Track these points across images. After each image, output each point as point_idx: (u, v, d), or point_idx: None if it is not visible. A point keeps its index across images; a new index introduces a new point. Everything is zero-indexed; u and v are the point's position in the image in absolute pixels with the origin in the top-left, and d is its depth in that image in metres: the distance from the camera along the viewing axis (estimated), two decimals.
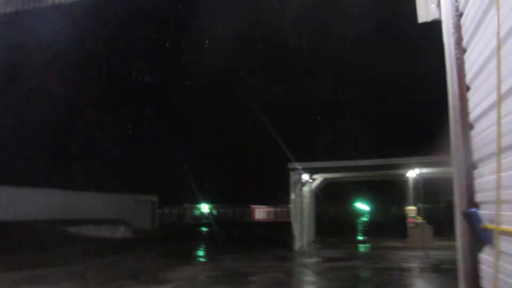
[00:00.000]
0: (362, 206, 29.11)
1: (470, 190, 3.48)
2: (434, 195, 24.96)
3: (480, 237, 3.03)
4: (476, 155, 3.51)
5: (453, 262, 10.99)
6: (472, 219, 3.11)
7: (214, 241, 24.32)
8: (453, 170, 3.70)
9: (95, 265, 13.09)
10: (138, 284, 9.49)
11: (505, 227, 2.84)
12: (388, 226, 27.28)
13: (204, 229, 38.41)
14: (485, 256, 3.21)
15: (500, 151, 3.08)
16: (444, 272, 10.75)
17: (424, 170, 17.37)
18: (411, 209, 18.30)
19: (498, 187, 3.05)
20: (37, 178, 24.32)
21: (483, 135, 3.41)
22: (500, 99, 3.07)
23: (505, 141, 3.00)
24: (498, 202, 2.94)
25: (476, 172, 3.49)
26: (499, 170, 3.09)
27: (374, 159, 17.89)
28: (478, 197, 3.40)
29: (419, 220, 17.37)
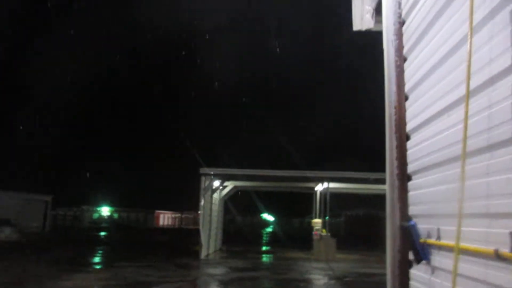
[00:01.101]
0: (270, 216, 29.53)
1: (403, 203, 3.34)
2: (337, 209, 26.13)
3: (417, 252, 2.85)
4: (411, 167, 3.40)
5: (355, 274, 11.30)
6: (410, 233, 2.94)
7: (113, 247, 22.68)
8: (386, 181, 3.55)
9: None
10: None
11: (444, 241, 2.70)
12: (294, 237, 27.94)
13: (103, 233, 35.94)
14: (418, 272, 3.07)
15: (437, 165, 2.97)
16: (348, 284, 11.01)
17: (332, 185, 17.96)
18: (317, 221, 18.80)
19: (435, 200, 2.93)
20: None
21: (419, 147, 3.30)
22: (438, 113, 2.99)
23: (441, 155, 2.90)
24: (438, 215, 2.81)
25: (411, 184, 3.38)
26: (436, 183, 2.98)
27: (285, 170, 18.12)
28: (412, 210, 3.27)
29: (324, 233, 17.86)
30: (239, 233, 30.41)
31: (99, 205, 54.84)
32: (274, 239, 30.32)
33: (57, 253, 17.55)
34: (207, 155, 22.46)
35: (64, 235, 30.91)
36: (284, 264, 15.51)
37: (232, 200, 24.66)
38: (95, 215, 55.89)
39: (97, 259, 16.28)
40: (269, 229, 46.92)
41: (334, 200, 20.26)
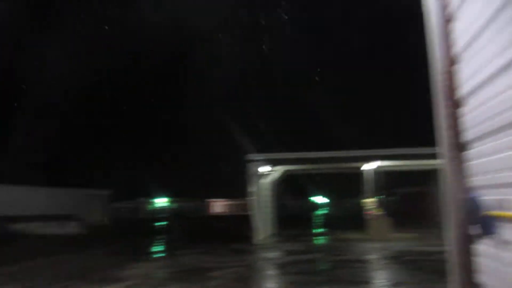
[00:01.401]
0: (321, 199, 29.29)
1: (461, 175, 3.14)
2: (389, 187, 25.45)
3: (480, 225, 2.68)
4: (466, 136, 3.18)
5: (414, 253, 10.97)
6: (471, 206, 2.75)
7: (170, 236, 23.51)
8: (441, 154, 3.35)
9: (41, 265, 12.08)
10: (87, 284, 8.72)
11: (510, 212, 2.50)
12: (346, 218, 27.60)
13: (160, 223, 37.35)
14: (483, 247, 2.88)
15: (496, 130, 2.75)
16: (406, 263, 10.72)
17: (383, 163, 17.48)
18: (369, 201, 18.41)
19: (497, 169, 2.72)
20: None
21: (474, 114, 3.07)
22: (494, 74, 2.75)
23: (501, 120, 2.67)
24: (502, 185, 2.61)
25: (468, 154, 3.16)
26: (496, 150, 2.76)
27: (334, 151, 17.80)
28: (472, 181, 3.06)
29: (378, 212, 17.49)
30: (291, 217, 30.43)
31: (155, 196, 56.78)
32: (326, 221, 30.11)
33: (119, 244, 18.45)
34: (255, 141, 22.57)
35: (124, 227, 32.42)
36: (339, 245, 15.37)
37: (282, 184, 24.68)
38: (152, 207, 58.13)
39: (157, 248, 16.93)
40: (321, 211, 46.72)
41: (386, 178, 19.73)
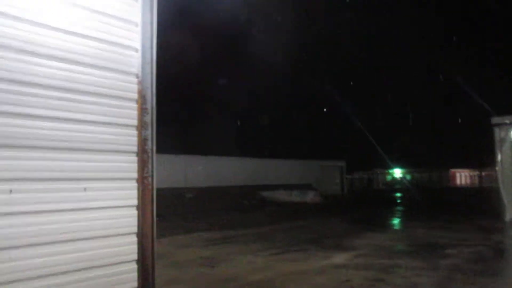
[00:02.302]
0: None
1: None
2: None
3: None
4: None
5: None
6: None
7: (406, 207, 22.77)
8: None
9: (283, 228, 13.65)
10: (320, 249, 9.34)
11: None
12: None
13: (396, 194, 36.59)
14: None
15: None
16: None
17: None
18: None
19: None
20: (231, 148, 26.99)
21: None
22: None
23: None
24: None
25: None
26: None
27: None
28: None
29: None
30: None
31: (392, 167, 55.77)
32: None
33: (354, 213, 19.02)
34: (498, 102, 19.34)
35: (360, 197, 33.22)
36: None
37: None
38: (388, 178, 57.48)
39: (391, 220, 16.70)
40: None
41: None
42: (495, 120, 14.38)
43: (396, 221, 16.34)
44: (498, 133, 14.43)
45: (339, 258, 8.28)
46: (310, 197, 23.79)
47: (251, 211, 18.83)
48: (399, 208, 22.67)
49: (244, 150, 27.52)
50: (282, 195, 23.42)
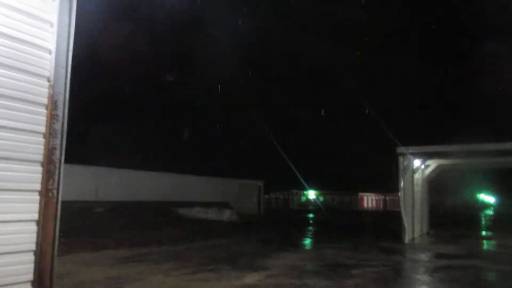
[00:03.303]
0: (486, 197, 25.94)
1: None
2: None
3: None
4: None
5: None
6: None
7: (318, 228, 23.67)
8: None
9: (198, 246, 13.41)
10: (234, 269, 9.29)
11: None
12: None
13: (310, 215, 37.92)
14: None
15: None
16: None
17: None
18: None
19: None
20: (148, 162, 26.19)
21: None
22: None
23: None
24: None
25: None
26: None
27: (504, 143, 15.26)
28: None
29: None
30: (449, 216, 27.61)
31: (306, 189, 57.91)
32: (494, 223, 26.48)
33: (269, 233, 19.31)
34: (405, 133, 21.12)
35: (275, 216, 33.88)
36: (507, 252, 13.33)
37: (438, 180, 22.55)
38: (303, 198, 59.50)
39: (303, 240, 17.19)
40: (485, 211, 41.10)
41: None
42: (400, 149, 15.61)
43: (308, 241, 16.87)
44: (402, 161, 15.68)
45: (252, 278, 8.30)
46: (226, 215, 23.75)
47: (166, 228, 18.25)
48: (311, 228, 23.48)
49: (162, 164, 26.87)
50: (198, 213, 23.10)
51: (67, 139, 3.43)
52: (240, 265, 9.88)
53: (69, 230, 12.62)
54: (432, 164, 18.69)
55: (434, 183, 21.85)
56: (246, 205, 32.02)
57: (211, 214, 23.48)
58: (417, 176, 17.63)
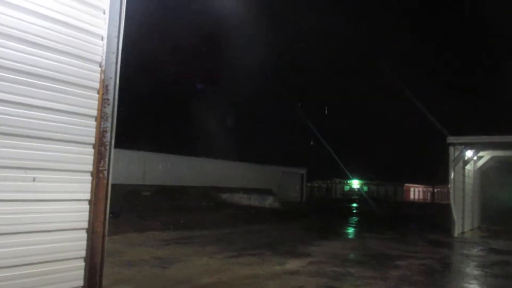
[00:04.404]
0: None
1: None
2: None
3: None
4: None
5: None
6: None
7: (361, 218, 23.30)
8: None
9: (240, 231, 13.61)
10: (276, 254, 9.35)
11: None
12: None
13: (353, 205, 37.39)
14: None
15: None
16: None
17: None
18: None
19: None
20: (194, 148, 26.71)
21: None
22: None
23: None
24: None
25: None
26: None
27: None
28: None
29: None
30: (502, 211, 26.19)
31: (350, 178, 57.02)
32: None
33: (311, 220, 19.25)
34: (454, 123, 20.20)
35: (318, 205, 33.69)
36: None
37: (492, 173, 21.44)
38: (346, 188, 58.69)
39: (346, 229, 17.00)
40: None
41: None
42: (450, 139, 14.94)
43: (351, 231, 16.66)
44: (452, 152, 15.02)
45: (293, 264, 8.32)
46: (269, 202, 23.88)
47: (209, 212, 18.64)
48: (354, 218, 23.16)
49: (207, 151, 27.32)
50: (241, 199, 23.37)
51: (116, 123, 3.54)
52: (281, 251, 9.92)
53: (117, 211, 13.19)
54: (486, 155, 17.79)
55: (487, 175, 20.80)
56: (288, 192, 32.03)
57: (253, 201, 23.69)
58: (468, 167, 16.85)
